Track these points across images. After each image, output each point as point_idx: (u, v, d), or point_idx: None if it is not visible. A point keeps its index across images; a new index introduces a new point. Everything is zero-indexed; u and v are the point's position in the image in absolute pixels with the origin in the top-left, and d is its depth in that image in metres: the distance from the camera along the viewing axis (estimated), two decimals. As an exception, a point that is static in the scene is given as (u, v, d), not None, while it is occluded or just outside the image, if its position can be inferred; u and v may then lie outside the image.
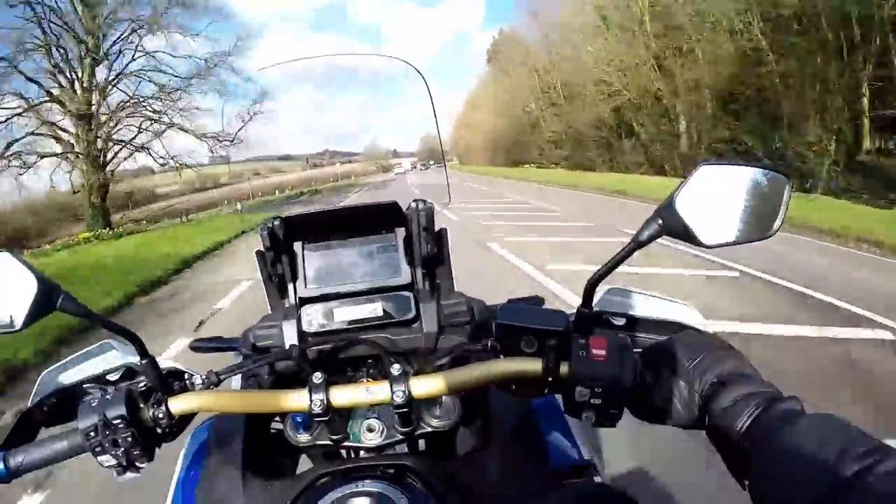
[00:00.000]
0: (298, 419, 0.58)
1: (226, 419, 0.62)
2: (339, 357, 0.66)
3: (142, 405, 0.53)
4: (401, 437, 0.57)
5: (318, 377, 0.51)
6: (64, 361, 0.62)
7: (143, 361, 0.54)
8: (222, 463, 0.61)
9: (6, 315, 0.49)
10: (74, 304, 0.49)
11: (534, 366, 0.51)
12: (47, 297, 0.48)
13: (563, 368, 0.50)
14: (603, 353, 0.49)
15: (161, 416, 0.52)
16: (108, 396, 0.52)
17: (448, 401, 0.59)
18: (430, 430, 0.58)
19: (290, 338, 0.68)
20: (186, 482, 0.66)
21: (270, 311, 0.76)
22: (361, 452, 0.60)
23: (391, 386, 0.51)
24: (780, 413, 0.40)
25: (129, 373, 0.61)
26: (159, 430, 0.53)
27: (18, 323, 0.48)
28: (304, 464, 0.68)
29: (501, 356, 0.54)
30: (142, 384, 0.54)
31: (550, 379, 0.50)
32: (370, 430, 0.58)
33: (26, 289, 0.48)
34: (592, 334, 0.51)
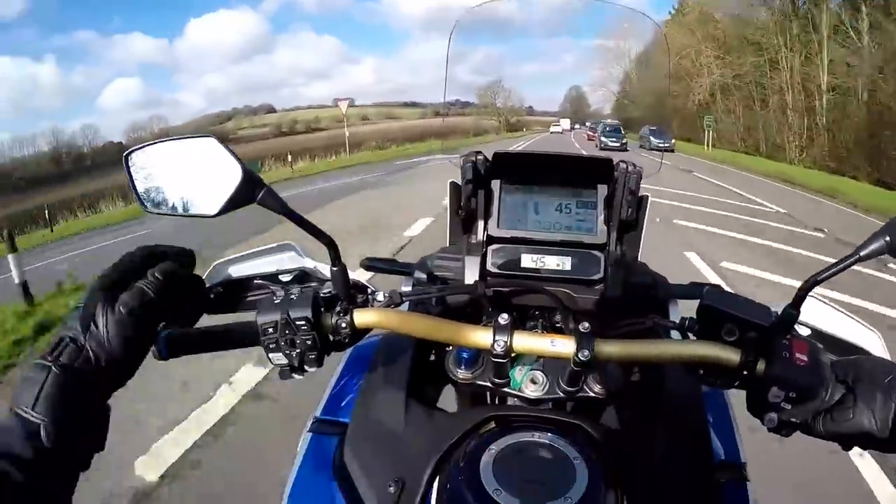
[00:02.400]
0: (464, 354, 0.60)
1: (395, 341, 0.63)
2: (520, 303, 0.65)
3: (326, 311, 0.53)
4: (563, 395, 0.58)
5: (504, 318, 0.52)
6: (240, 255, 0.64)
7: (334, 269, 0.54)
8: (387, 382, 0.62)
9: (204, 201, 0.50)
10: (275, 199, 0.48)
11: (732, 355, 0.50)
12: (249, 189, 0.48)
13: (761, 365, 0.49)
14: (805, 358, 0.48)
15: (344, 325, 0.52)
16: (292, 296, 0.52)
17: (614, 369, 0.60)
18: (591, 394, 0.58)
19: (472, 274, 0.67)
20: (345, 391, 0.68)
21: (448, 244, 0.76)
22: (514, 401, 0.60)
23: (578, 342, 0.50)
24: None
25: (302, 276, 0.65)
26: (337, 339, 0.53)
27: (214, 209, 0.49)
28: (447, 397, 0.68)
29: (693, 337, 0.54)
30: (326, 290, 0.54)
31: (745, 373, 0.49)
32: (534, 381, 0.59)
33: (229, 177, 0.48)
34: (795, 337, 0.50)
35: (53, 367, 0.40)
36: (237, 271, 0.65)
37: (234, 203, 0.48)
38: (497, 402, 0.62)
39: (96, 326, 0.42)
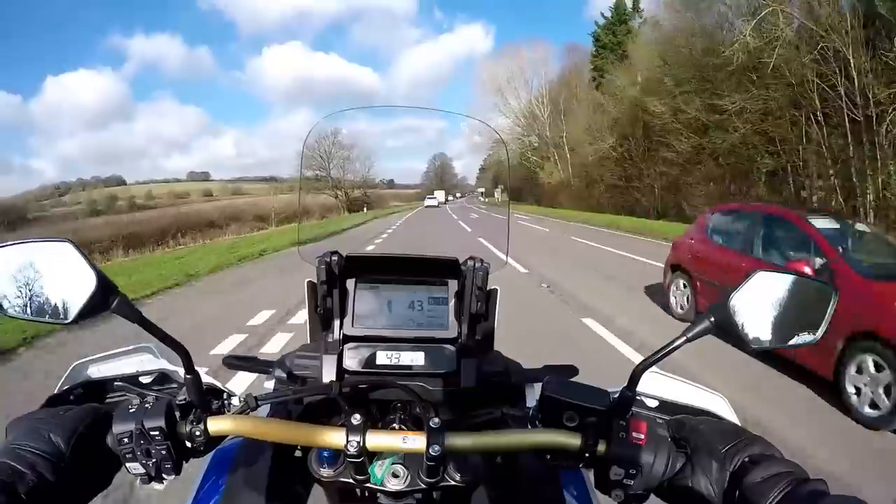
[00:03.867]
0: (325, 453, 0.58)
1: (255, 442, 0.61)
2: (377, 398, 0.66)
3: (181, 420, 0.54)
4: (423, 486, 0.57)
5: (356, 419, 0.52)
6: (99, 356, 0.64)
7: (188, 376, 0.55)
8: (248, 486, 0.64)
9: (59, 306, 0.50)
10: (130, 308, 0.49)
11: (573, 440, 0.53)
12: (103, 297, 0.48)
13: (601, 447, 0.52)
14: (642, 436, 0.52)
15: (199, 433, 0.53)
16: (147, 405, 0.53)
17: (475, 457, 0.59)
18: (452, 483, 0.58)
19: (329, 373, 0.69)
20: (209, 494, 0.68)
21: (309, 341, 0.78)
22: (379, 496, 0.60)
23: (429, 438, 0.52)
24: (807, 493, 0.42)
25: (161, 378, 0.64)
26: (193, 446, 0.54)
27: (70, 316, 0.48)
28: (316, 494, 0.68)
29: (539, 425, 0.58)
30: (181, 398, 0.55)
31: (587, 455, 0.53)
32: (395, 475, 0.58)
33: (83, 284, 0.48)
34: (632, 416, 0.54)
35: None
36: (97, 372, 0.63)
37: (88, 311, 0.48)
38: (367, 496, 0.60)
39: None
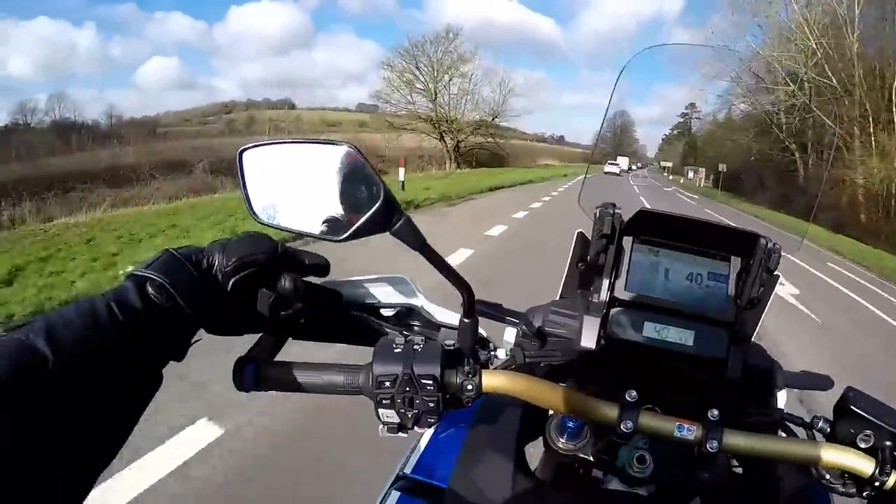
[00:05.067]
0: (570, 424, 0.58)
1: (500, 400, 0.57)
2: (638, 376, 0.60)
3: (450, 368, 0.50)
4: (669, 479, 0.56)
5: (632, 395, 0.51)
6: (341, 280, 0.59)
7: (466, 320, 0.52)
8: (492, 449, 0.62)
9: (333, 220, 0.46)
10: (413, 232, 0.45)
11: (866, 465, 0.49)
12: (386, 215, 0.44)
13: (893, 479, 0.48)
14: None
15: (470, 387, 0.50)
16: (416, 346, 0.49)
17: (723, 458, 0.57)
18: (697, 483, 0.55)
19: (591, 336, 0.63)
20: (438, 449, 0.66)
21: (559, 297, 0.73)
22: (611, 478, 0.60)
23: (707, 431, 0.49)
24: None
25: (405, 313, 0.61)
26: (458, 398, 0.50)
27: (344, 233, 0.44)
28: (533, 459, 0.67)
29: (821, 437, 0.54)
30: (449, 342, 0.52)
31: (876, 484, 0.48)
32: (641, 461, 0.57)
33: (366, 198, 0.44)
34: None
35: (172, 251, 0.43)
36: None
37: (366, 229, 0.44)
38: (587, 473, 0.62)
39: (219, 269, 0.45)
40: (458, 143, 32.12)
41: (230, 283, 0.44)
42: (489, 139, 33.30)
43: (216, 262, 0.45)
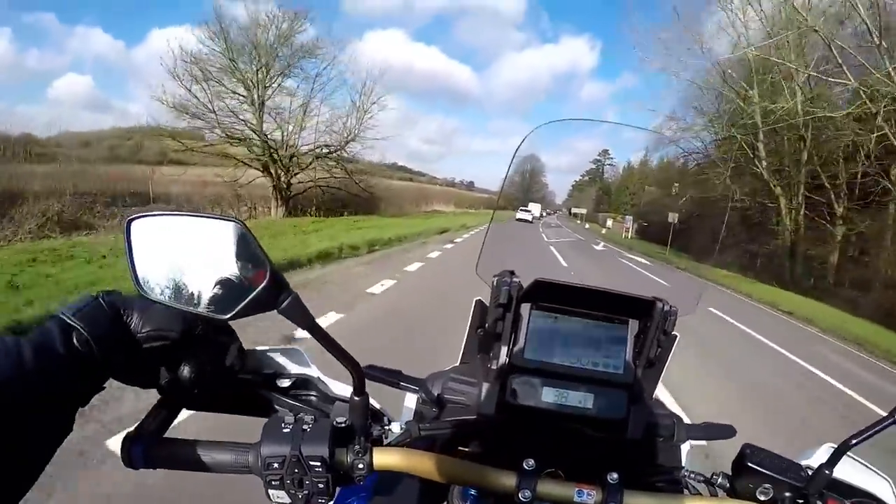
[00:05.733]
0: (472, 492, 0.58)
1: (396, 473, 0.56)
2: (538, 442, 0.62)
3: (340, 446, 0.49)
4: None
5: (530, 464, 0.51)
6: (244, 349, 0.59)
7: (357, 398, 0.51)
8: None
9: (217, 298, 0.44)
10: (301, 311, 0.44)
11: None
12: (273, 293, 0.43)
13: None
14: None
15: (361, 466, 0.49)
16: (305, 426, 0.48)
17: None
18: None
19: (490, 403, 0.64)
20: None
21: (459, 363, 0.75)
22: None
23: (607, 494, 0.50)
24: None
25: (300, 383, 0.61)
26: (348, 476, 0.49)
27: (230, 311, 0.43)
28: None
29: (723, 493, 0.56)
30: (340, 420, 0.51)
31: None
32: None
33: (252, 275, 0.43)
34: (828, 497, 0.52)
35: (101, 300, 0.46)
36: None
37: (253, 307, 0.43)
38: None
39: (137, 321, 0.47)
40: (290, 180, 21.57)
41: (140, 348, 0.47)
42: (337, 174, 22.58)
43: (133, 322, 0.47)
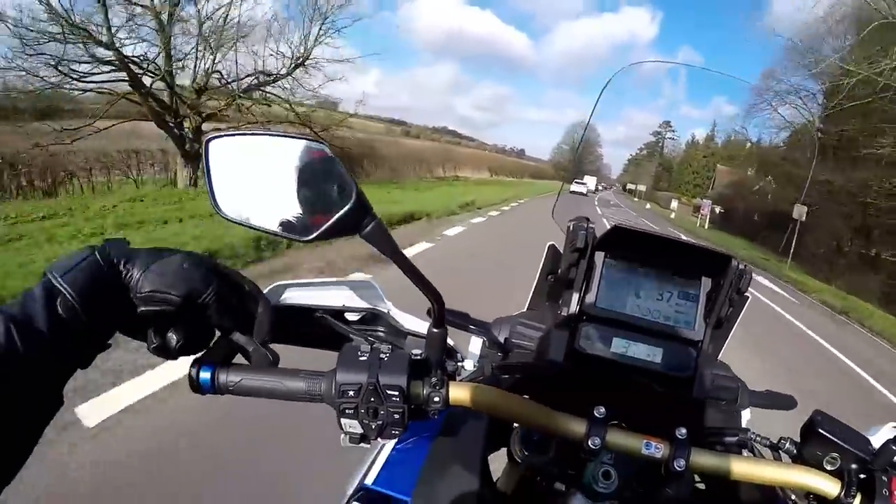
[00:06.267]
0: (535, 437, 0.60)
1: (465, 412, 0.57)
2: (606, 391, 0.61)
3: (417, 379, 0.50)
4: (634, 495, 0.57)
5: (600, 412, 0.52)
6: (306, 281, 0.60)
7: (435, 330, 0.53)
8: (456, 462, 0.61)
9: (298, 219, 0.45)
10: (384, 236, 0.45)
11: (832, 487, 0.51)
12: (357, 217, 0.44)
13: (857, 500, 0.50)
14: None
15: (437, 399, 0.50)
16: (382, 355, 0.49)
17: (689, 478, 0.60)
18: (661, 500, 0.57)
19: (559, 349, 0.65)
20: (401, 461, 0.66)
21: (527, 308, 0.76)
22: (577, 495, 0.59)
23: (674, 449, 0.51)
24: None
25: (370, 318, 0.63)
26: (423, 409, 0.50)
27: (313, 233, 0.44)
28: (494, 470, 0.67)
29: (788, 458, 0.57)
30: (416, 353, 0.51)
31: None
32: (606, 477, 0.57)
33: (336, 199, 0.43)
34: (892, 474, 0.51)
35: (97, 255, 0.42)
36: (296, 297, 0.59)
37: (335, 230, 0.43)
38: (551, 489, 0.61)
39: (152, 274, 0.43)
40: (199, 127, 13.69)
41: (139, 310, 0.44)
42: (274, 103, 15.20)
43: (132, 280, 0.43)
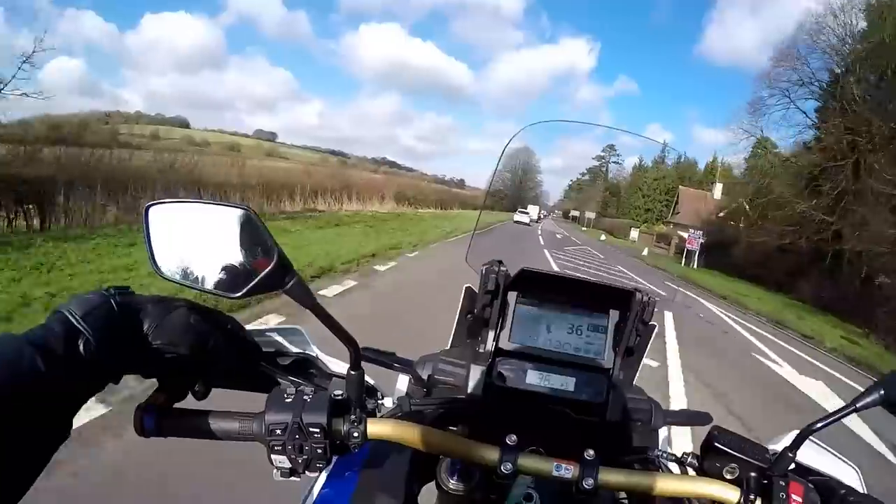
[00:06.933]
0: (458, 465, 0.64)
1: (388, 445, 0.61)
2: (518, 419, 0.68)
3: (337, 416, 0.55)
4: None
5: (512, 439, 0.56)
6: (248, 328, 0.63)
7: (353, 373, 0.57)
8: (382, 486, 0.65)
9: (228, 278, 0.49)
10: (304, 291, 0.48)
11: (732, 495, 0.56)
12: (280, 275, 0.47)
13: None
14: (800, 500, 0.54)
15: (356, 434, 0.54)
16: (306, 397, 0.54)
17: (610, 496, 0.65)
18: None
19: (477, 384, 0.70)
20: (331, 495, 0.68)
21: (449, 346, 0.81)
22: None
23: (583, 469, 0.55)
24: None
25: (300, 362, 0.66)
26: (343, 444, 0.55)
27: (239, 291, 0.48)
28: (426, 500, 0.70)
29: (692, 472, 0.61)
30: (338, 393, 0.56)
31: None
32: (528, 499, 0.64)
33: (260, 258, 0.47)
34: (791, 478, 0.56)
35: (112, 302, 0.45)
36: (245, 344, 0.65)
37: (261, 287, 0.47)
38: None
39: (160, 325, 0.47)
40: None
41: (148, 356, 0.48)
42: None
43: (147, 328, 0.48)
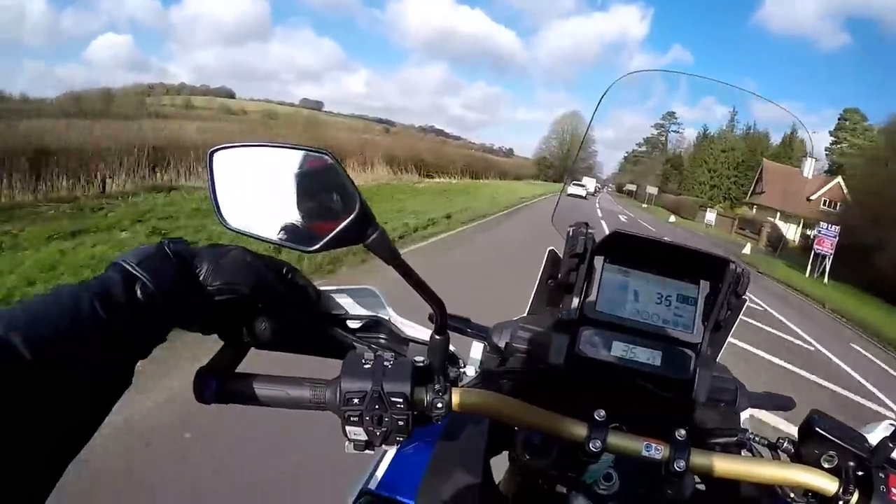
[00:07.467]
0: (535, 440, 0.62)
1: (466, 416, 0.63)
2: (603, 395, 0.65)
3: (420, 385, 0.52)
4: (635, 496, 0.62)
5: (601, 415, 0.55)
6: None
7: (438, 337, 0.55)
8: (460, 466, 0.64)
9: (302, 230, 0.46)
10: (386, 244, 0.46)
11: (830, 484, 0.54)
12: (360, 227, 0.44)
13: (855, 497, 0.53)
14: None
15: (440, 405, 0.52)
16: (386, 363, 0.51)
17: (689, 478, 0.63)
18: (662, 500, 0.61)
19: (559, 353, 0.66)
20: (403, 465, 0.70)
21: (527, 313, 0.78)
22: (578, 496, 0.62)
23: (674, 451, 0.53)
24: None
25: (371, 325, 0.64)
26: (426, 415, 0.53)
27: (316, 243, 0.45)
28: (496, 472, 0.70)
29: (786, 457, 0.60)
30: (419, 360, 0.54)
31: (839, 502, 0.53)
32: (607, 478, 0.62)
33: (341, 208, 0.44)
34: (889, 471, 0.54)
35: (167, 249, 0.45)
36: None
37: (340, 240, 0.44)
38: (553, 491, 0.65)
39: (217, 274, 0.47)
40: None
41: (210, 300, 0.48)
42: None
43: (203, 273, 0.47)
